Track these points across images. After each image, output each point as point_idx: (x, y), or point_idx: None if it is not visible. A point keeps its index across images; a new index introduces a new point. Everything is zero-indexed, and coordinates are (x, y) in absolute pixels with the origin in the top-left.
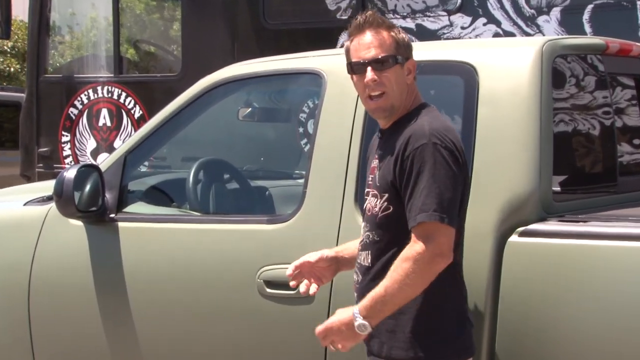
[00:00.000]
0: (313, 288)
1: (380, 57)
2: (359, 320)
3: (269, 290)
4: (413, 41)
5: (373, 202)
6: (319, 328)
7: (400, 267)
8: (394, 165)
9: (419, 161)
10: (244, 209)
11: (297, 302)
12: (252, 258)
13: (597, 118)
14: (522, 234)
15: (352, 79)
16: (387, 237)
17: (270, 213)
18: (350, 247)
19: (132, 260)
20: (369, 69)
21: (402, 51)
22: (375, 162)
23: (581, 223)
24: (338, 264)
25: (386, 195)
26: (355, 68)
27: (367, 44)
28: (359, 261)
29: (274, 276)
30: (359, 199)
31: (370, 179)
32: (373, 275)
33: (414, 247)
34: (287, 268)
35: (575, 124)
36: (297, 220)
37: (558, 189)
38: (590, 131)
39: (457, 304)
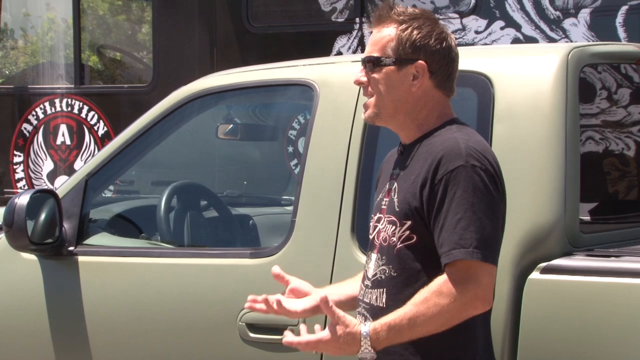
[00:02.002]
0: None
1: (366, 56)
2: (367, 347)
3: (252, 334)
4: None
5: (390, 231)
6: (308, 338)
7: (432, 301)
8: (421, 190)
9: (454, 186)
10: (223, 241)
11: (285, 349)
12: (232, 297)
13: (632, 136)
14: (545, 271)
15: None
16: (408, 272)
17: (253, 245)
18: (346, 289)
19: (93, 300)
20: (361, 68)
21: (403, 51)
22: (392, 184)
23: (613, 258)
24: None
25: (408, 222)
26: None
27: (370, 40)
28: (366, 301)
29: (258, 318)
30: (357, 229)
31: (384, 202)
32: None
33: (451, 285)
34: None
35: (606, 143)
36: (285, 253)
37: (586, 218)
38: (623, 152)
39: (485, 344)
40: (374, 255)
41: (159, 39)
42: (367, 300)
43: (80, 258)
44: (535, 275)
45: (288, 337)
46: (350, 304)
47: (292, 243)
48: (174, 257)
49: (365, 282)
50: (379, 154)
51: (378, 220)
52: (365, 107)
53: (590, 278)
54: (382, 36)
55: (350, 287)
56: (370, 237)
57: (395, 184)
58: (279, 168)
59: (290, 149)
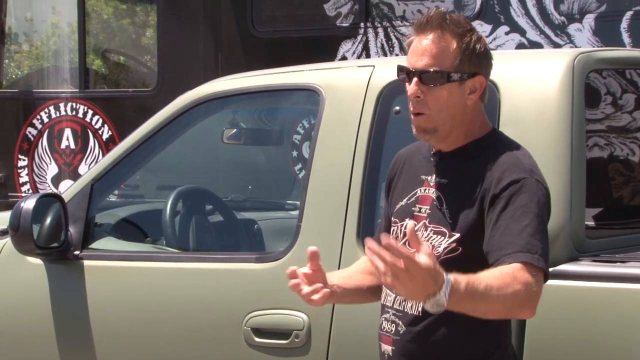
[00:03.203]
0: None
1: (430, 70)
2: (445, 292)
3: (257, 339)
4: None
5: (435, 241)
6: (405, 250)
7: (509, 281)
8: (481, 201)
9: (519, 195)
10: (229, 246)
11: (291, 354)
12: (238, 302)
13: (638, 142)
14: (551, 276)
15: None
16: None
17: (259, 250)
18: (354, 275)
19: (99, 304)
20: (414, 80)
21: (466, 66)
22: (430, 191)
23: (619, 264)
24: (339, 294)
25: (458, 235)
26: (400, 75)
27: (423, 49)
28: (398, 308)
29: (264, 323)
30: (363, 234)
31: (421, 210)
32: (425, 327)
33: (526, 278)
34: (278, 313)
35: (611, 148)
36: (291, 258)
37: (592, 223)
38: (629, 157)
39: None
40: None
41: (164, 43)
42: (400, 307)
43: (86, 262)
44: None
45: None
46: (349, 297)
47: (298, 248)
48: (180, 262)
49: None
50: (385, 158)
51: (403, 227)
52: (420, 123)
53: (596, 284)
54: (444, 48)
55: (352, 281)
56: (400, 243)
57: (440, 194)
58: (284, 172)
59: (295, 153)
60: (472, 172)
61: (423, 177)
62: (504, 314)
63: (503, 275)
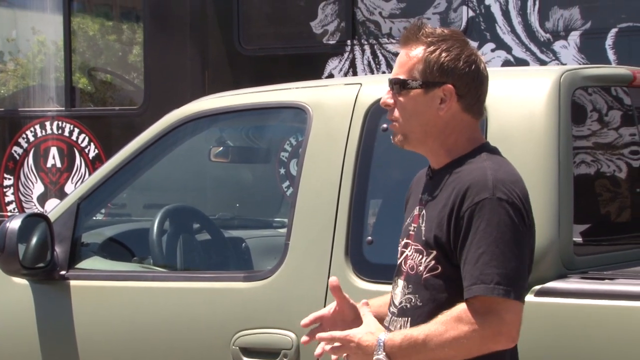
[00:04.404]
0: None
1: (393, 78)
2: (381, 352)
3: (245, 358)
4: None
5: (417, 259)
6: (339, 334)
7: (452, 325)
8: (448, 222)
9: (478, 219)
10: (216, 264)
11: None
12: (226, 321)
13: (624, 158)
14: (538, 294)
15: None
16: (433, 302)
17: (247, 269)
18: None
19: (85, 325)
20: (387, 90)
21: (430, 74)
22: (420, 209)
23: (607, 281)
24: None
25: (433, 252)
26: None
27: (396, 61)
28: (391, 329)
29: (252, 342)
30: (351, 252)
31: (412, 228)
32: None
33: (471, 315)
34: (266, 333)
35: (598, 165)
36: (279, 277)
37: (580, 240)
38: (615, 173)
39: None
40: (400, 282)
41: (150, 60)
42: (392, 328)
43: (72, 282)
44: (529, 297)
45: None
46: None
47: (286, 266)
48: (167, 281)
49: (392, 309)
50: (373, 176)
51: (405, 246)
52: (393, 130)
53: (585, 301)
54: (410, 58)
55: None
56: (398, 262)
57: (424, 211)
58: (272, 190)
59: (282, 171)
60: (446, 189)
61: (420, 195)
62: (473, 353)
63: (446, 322)
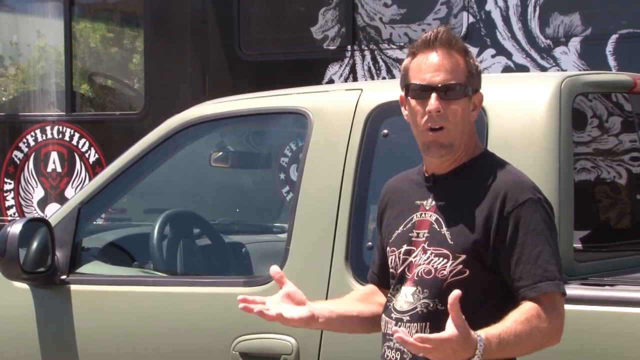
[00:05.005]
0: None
1: (451, 83)
2: (480, 353)
3: None
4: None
5: (437, 264)
6: (429, 336)
7: (534, 322)
8: (485, 222)
9: (527, 219)
10: (216, 269)
11: None
12: (226, 326)
13: (624, 165)
14: None
15: (406, 103)
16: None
17: (247, 274)
18: (345, 302)
19: (86, 329)
20: (433, 95)
21: (472, 82)
22: (428, 215)
23: (607, 287)
24: (322, 320)
25: (464, 256)
26: (414, 92)
27: (436, 65)
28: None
29: (252, 347)
30: (351, 257)
31: (417, 234)
32: None
33: (545, 312)
34: (266, 338)
35: (598, 171)
36: None
37: (579, 246)
38: (616, 180)
39: None
40: (406, 289)
41: (151, 65)
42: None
43: (73, 287)
44: None
45: (400, 333)
46: (338, 324)
47: (286, 271)
48: (167, 286)
49: (395, 316)
50: (373, 181)
51: (408, 253)
52: (438, 138)
53: (585, 307)
54: (457, 63)
55: (342, 307)
56: (396, 270)
57: (438, 216)
58: (272, 195)
59: (282, 176)
60: (472, 191)
61: (418, 202)
62: (534, 351)
63: (529, 319)
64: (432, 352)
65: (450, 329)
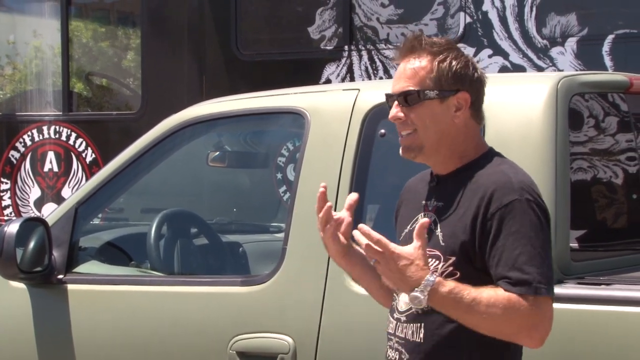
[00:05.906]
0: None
1: (404, 90)
2: (420, 292)
3: None
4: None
5: (431, 265)
6: (389, 244)
7: (500, 301)
8: (472, 225)
9: (510, 220)
10: (214, 269)
11: None
12: (223, 326)
13: (620, 165)
14: None
15: None
16: None
17: (244, 273)
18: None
19: (83, 329)
20: (395, 103)
21: (444, 83)
22: (429, 216)
23: (603, 286)
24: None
25: (453, 258)
26: (387, 102)
27: (397, 73)
28: (400, 335)
29: (249, 346)
30: None
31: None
32: (426, 354)
33: (522, 305)
34: (263, 337)
35: (595, 171)
36: (276, 281)
37: (576, 246)
38: (612, 180)
39: None
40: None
41: (148, 65)
42: (402, 335)
43: (70, 286)
44: None
45: (357, 232)
46: (366, 272)
47: (284, 271)
48: (165, 285)
49: (396, 316)
50: (370, 181)
51: None
52: (405, 142)
53: (581, 306)
54: (418, 68)
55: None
56: None
57: (435, 217)
58: (269, 195)
59: (280, 175)
60: (464, 193)
61: (423, 202)
62: (500, 335)
63: (497, 295)
64: (382, 265)
65: (406, 248)
